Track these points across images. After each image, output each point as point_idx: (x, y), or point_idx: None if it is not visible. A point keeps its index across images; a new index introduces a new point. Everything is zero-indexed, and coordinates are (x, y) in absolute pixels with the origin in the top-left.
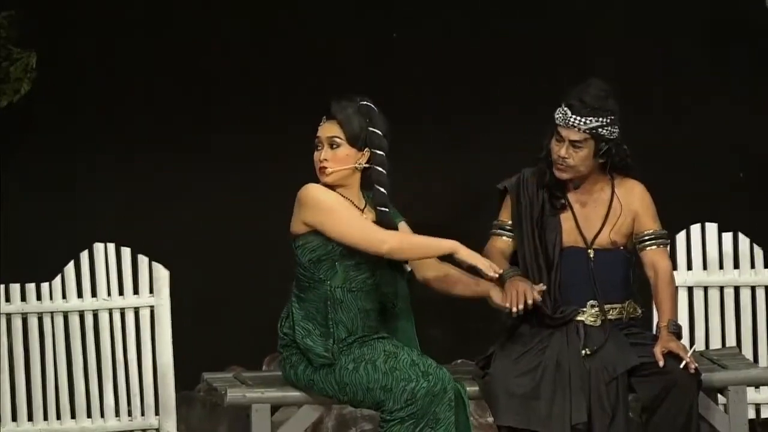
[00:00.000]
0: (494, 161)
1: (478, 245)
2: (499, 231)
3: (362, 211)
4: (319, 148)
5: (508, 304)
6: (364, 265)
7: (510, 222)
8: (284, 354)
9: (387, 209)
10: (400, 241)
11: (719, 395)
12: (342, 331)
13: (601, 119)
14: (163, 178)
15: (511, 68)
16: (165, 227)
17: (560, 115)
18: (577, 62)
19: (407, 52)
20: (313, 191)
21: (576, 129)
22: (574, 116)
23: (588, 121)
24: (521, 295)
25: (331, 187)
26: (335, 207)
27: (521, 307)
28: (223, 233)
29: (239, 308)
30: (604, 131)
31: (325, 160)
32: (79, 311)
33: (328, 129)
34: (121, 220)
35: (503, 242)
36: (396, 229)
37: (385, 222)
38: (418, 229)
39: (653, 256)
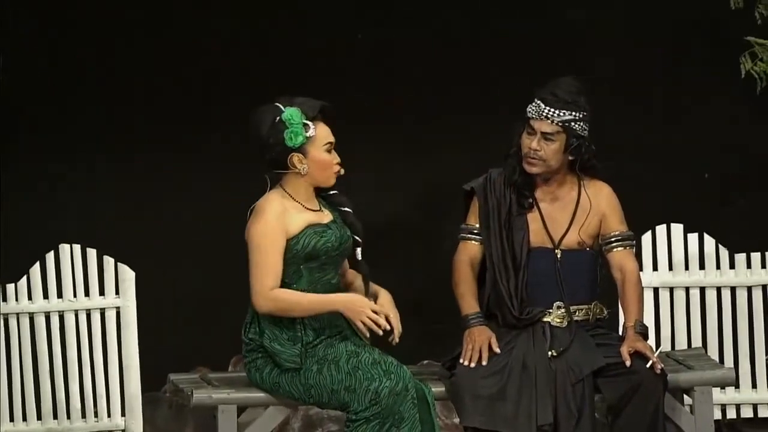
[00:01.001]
0: (486, 161)
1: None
2: (468, 236)
3: (318, 211)
4: (332, 150)
5: (462, 359)
6: (328, 266)
7: (478, 225)
8: (249, 358)
9: (350, 210)
10: (280, 307)
11: (685, 396)
12: (310, 335)
13: (574, 113)
14: (131, 178)
15: (510, 68)
16: (131, 228)
17: (533, 108)
18: (577, 62)
19: (402, 52)
20: (262, 207)
21: (549, 121)
22: (547, 108)
23: (561, 114)
24: (476, 353)
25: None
26: (264, 236)
27: (473, 365)
28: (188, 234)
29: (205, 309)
30: (576, 126)
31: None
32: (45, 312)
33: (332, 133)
34: (87, 220)
35: (473, 246)
36: (359, 229)
37: (350, 222)
38: (401, 229)
39: (620, 257)
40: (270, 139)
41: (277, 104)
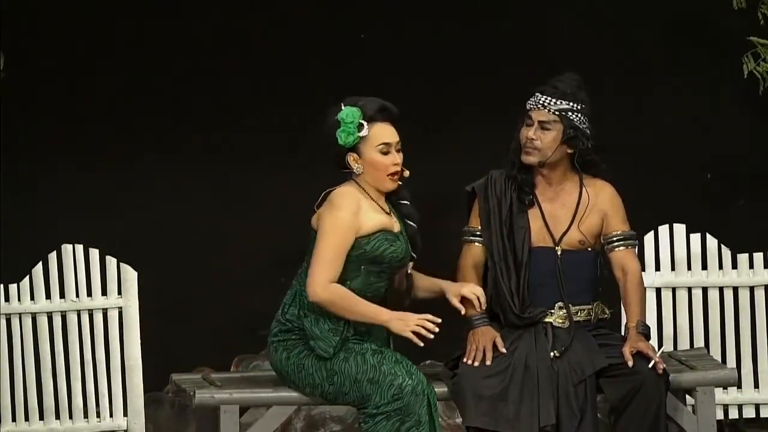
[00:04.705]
0: (474, 163)
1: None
2: (471, 238)
3: (389, 214)
4: (391, 152)
5: (465, 359)
6: (384, 275)
7: (480, 226)
8: (281, 337)
9: (414, 224)
10: (333, 302)
11: (687, 396)
12: (350, 330)
13: (571, 104)
14: (133, 178)
15: (511, 69)
16: (133, 228)
17: (532, 100)
18: (578, 62)
19: (403, 53)
20: (340, 201)
21: (546, 110)
22: (544, 97)
23: (558, 102)
24: (480, 353)
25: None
26: (336, 230)
27: (477, 364)
28: (190, 234)
29: (208, 309)
30: (574, 117)
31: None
32: (48, 312)
33: (396, 133)
34: (89, 220)
35: (476, 249)
36: (418, 245)
37: (411, 234)
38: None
39: (622, 257)
40: (329, 137)
41: (342, 103)
